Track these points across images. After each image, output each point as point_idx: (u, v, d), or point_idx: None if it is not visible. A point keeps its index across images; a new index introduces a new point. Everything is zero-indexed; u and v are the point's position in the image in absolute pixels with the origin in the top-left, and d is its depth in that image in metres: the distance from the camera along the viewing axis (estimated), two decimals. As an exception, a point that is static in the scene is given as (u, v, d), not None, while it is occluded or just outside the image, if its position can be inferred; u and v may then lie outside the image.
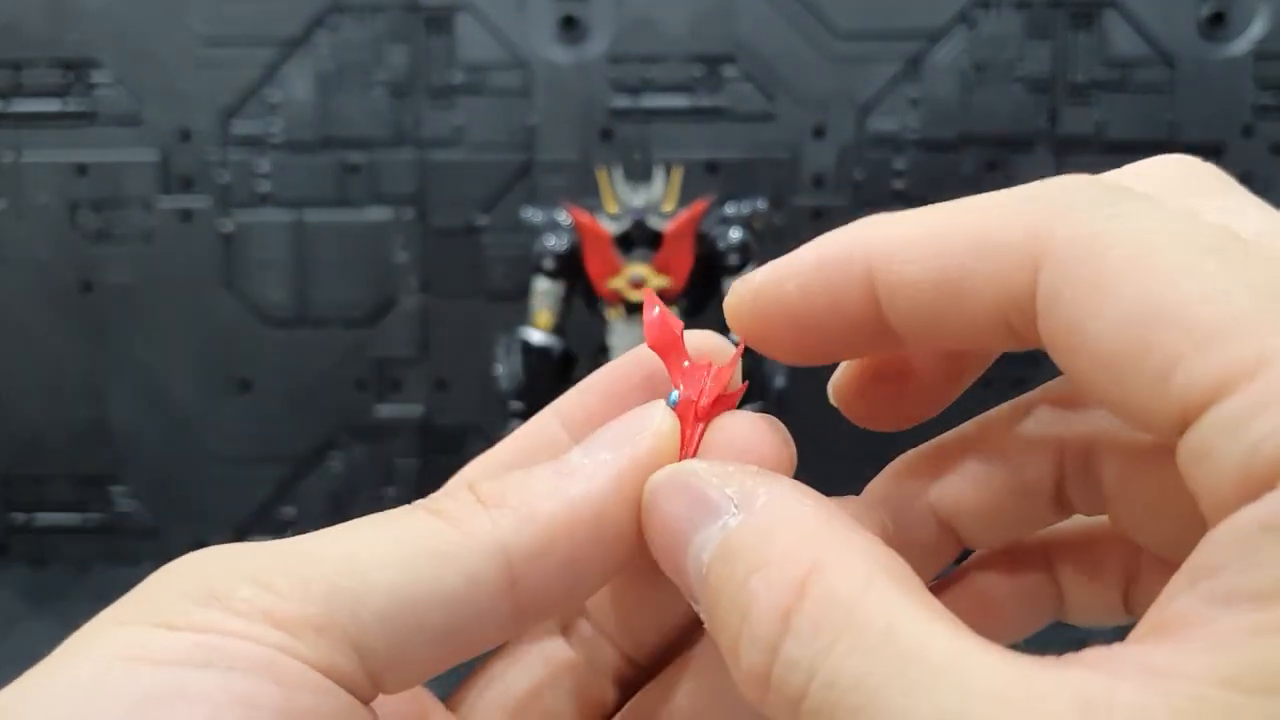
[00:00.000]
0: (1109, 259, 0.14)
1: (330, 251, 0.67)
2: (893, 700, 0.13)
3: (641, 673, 0.20)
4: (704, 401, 0.18)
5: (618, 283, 0.55)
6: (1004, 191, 0.16)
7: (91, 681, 0.14)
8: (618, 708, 0.20)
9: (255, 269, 0.68)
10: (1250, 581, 0.12)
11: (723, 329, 0.20)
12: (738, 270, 0.55)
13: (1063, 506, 0.19)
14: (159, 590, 0.16)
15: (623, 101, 0.66)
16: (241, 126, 0.67)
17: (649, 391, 0.19)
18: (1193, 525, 0.14)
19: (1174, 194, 0.16)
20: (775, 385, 0.54)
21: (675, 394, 0.19)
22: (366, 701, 0.16)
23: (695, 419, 0.18)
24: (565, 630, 0.20)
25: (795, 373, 0.55)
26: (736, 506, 0.16)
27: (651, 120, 0.66)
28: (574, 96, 0.66)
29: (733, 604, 0.15)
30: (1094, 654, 0.13)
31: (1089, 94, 0.65)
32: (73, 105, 0.67)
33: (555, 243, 0.56)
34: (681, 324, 0.19)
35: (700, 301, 0.58)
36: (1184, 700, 0.12)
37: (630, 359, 0.20)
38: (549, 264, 0.57)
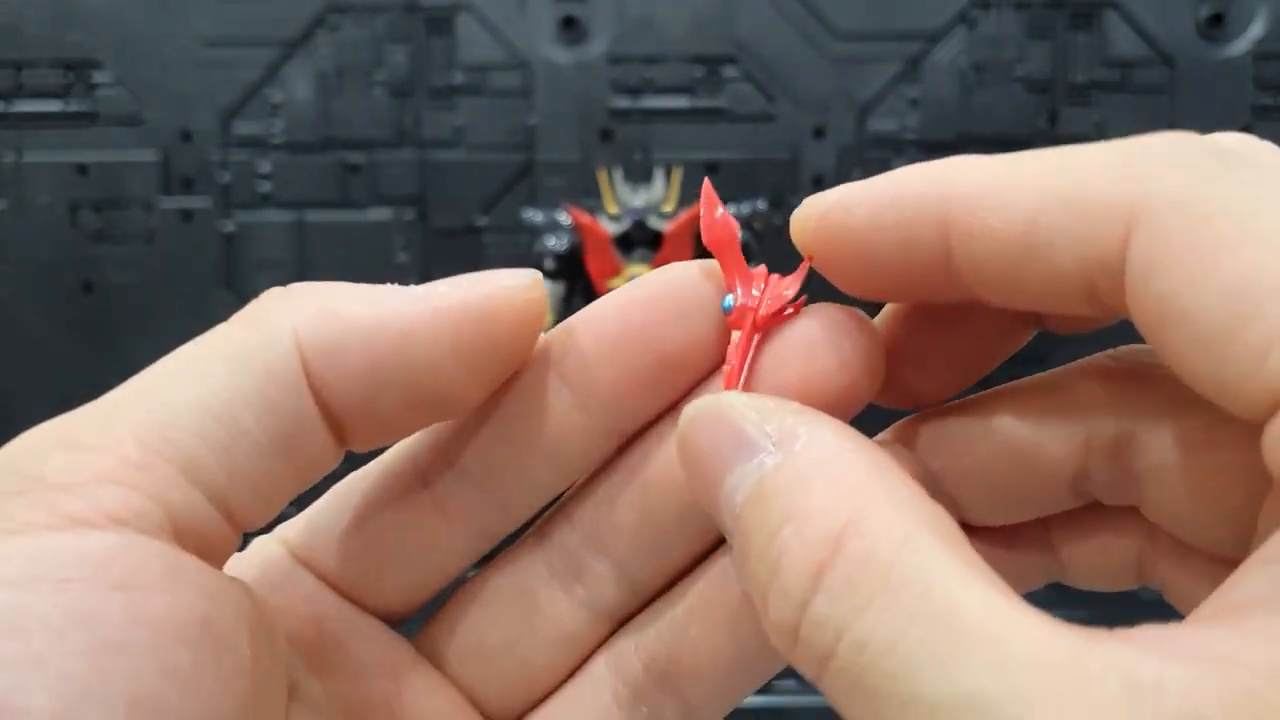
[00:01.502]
0: (1210, 226, 0.13)
1: (331, 252, 0.67)
2: (927, 668, 0.12)
3: (631, 600, 0.19)
4: (762, 310, 0.17)
5: (618, 283, 0.55)
6: (1101, 145, 0.15)
7: None
8: (601, 640, 0.19)
9: (256, 269, 0.68)
10: None
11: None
12: (738, 270, 0.55)
13: (1079, 493, 0.18)
14: None
15: (623, 102, 0.66)
16: (242, 127, 0.67)
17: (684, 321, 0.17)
18: (1240, 517, 0.13)
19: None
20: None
21: (730, 299, 0.17)
22: (231, 546, 0.15)
23: (753, 329, 0.17)
24: (546, 551, 0.19)
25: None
26: (774, 445, 0.14)
27: (652, 121, 0.66)
28: (574, 97, 0.66)
29: (764, 553, 0.14)
30: (1148, 633, 0.12)
31: (1088, 94, 0.65)
32: (73, 106, 0.67)
33: (556, 243, 0.56)
34: (737, 224, 0.18)
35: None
36: (1238, 692, 0.11)
37: (660, 291, 0.18)
38: (549, 264, 0.57)
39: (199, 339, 0.16)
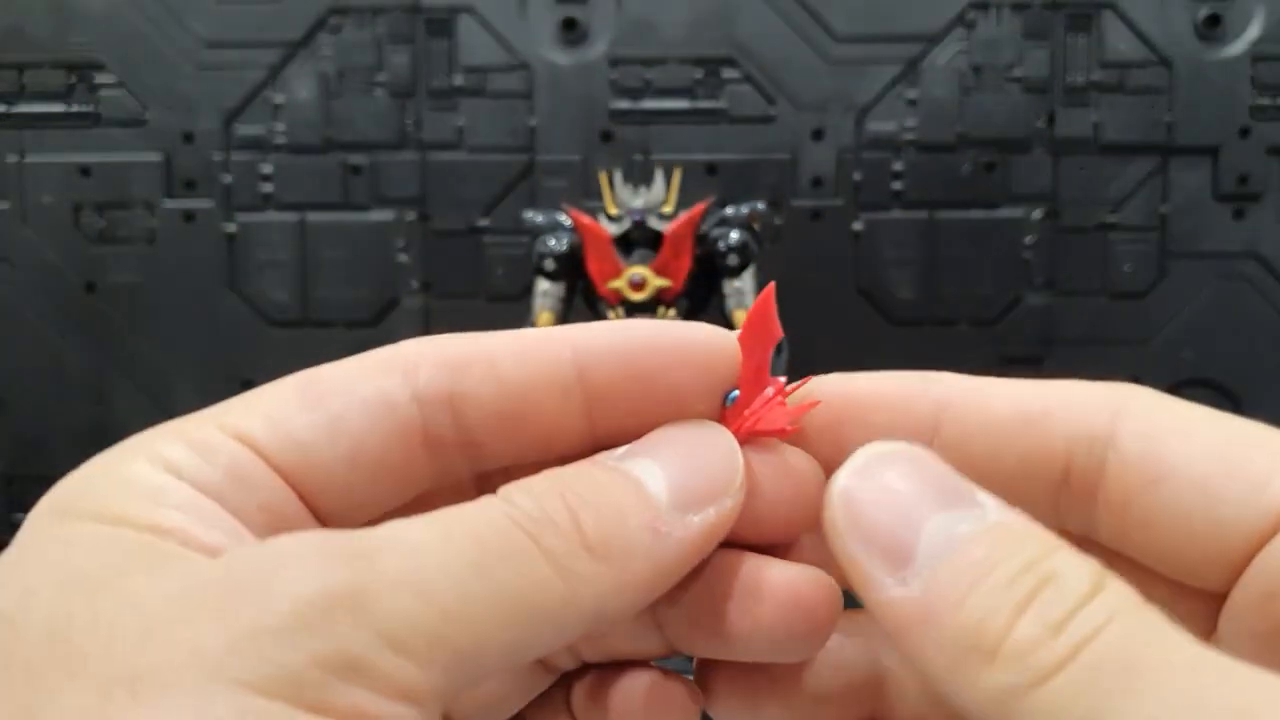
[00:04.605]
0: (1190, 411, 0.17)
1: (333, 253, 0.68)
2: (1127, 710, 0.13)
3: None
4: (759, 425, 0.18)
5: (618, 284, 0.55)
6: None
7: None
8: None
9: (258, 270, 0.68)
10: None
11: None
12: (737, 271, 0.56)
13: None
14: (277, 638, 0.14)
15: (623, 103, 0.67)
16: (244, 128, 0.67)
17: (688, 387, 0.18)
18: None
19: None
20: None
21: (734, 395, 0.18)
22: None
23: (738, 432, 0.18)
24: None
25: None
26: (978, 503, 0.16)
27: (652, 122, 0.67)
28: (575, 98, 0.67)
29: (964, 609, 0.15)
30: None
31: (1086, 96, 0.66)
32: (76, 107, 0.67)
33: (556, 244, 0.57)
34: (781, 334, 0.19)
35: (700, 302, 0.58)
36: None
37: (678, 337, 0.19)
38: (550, 265, 0.57)
39: (507, 553, 0.16)
